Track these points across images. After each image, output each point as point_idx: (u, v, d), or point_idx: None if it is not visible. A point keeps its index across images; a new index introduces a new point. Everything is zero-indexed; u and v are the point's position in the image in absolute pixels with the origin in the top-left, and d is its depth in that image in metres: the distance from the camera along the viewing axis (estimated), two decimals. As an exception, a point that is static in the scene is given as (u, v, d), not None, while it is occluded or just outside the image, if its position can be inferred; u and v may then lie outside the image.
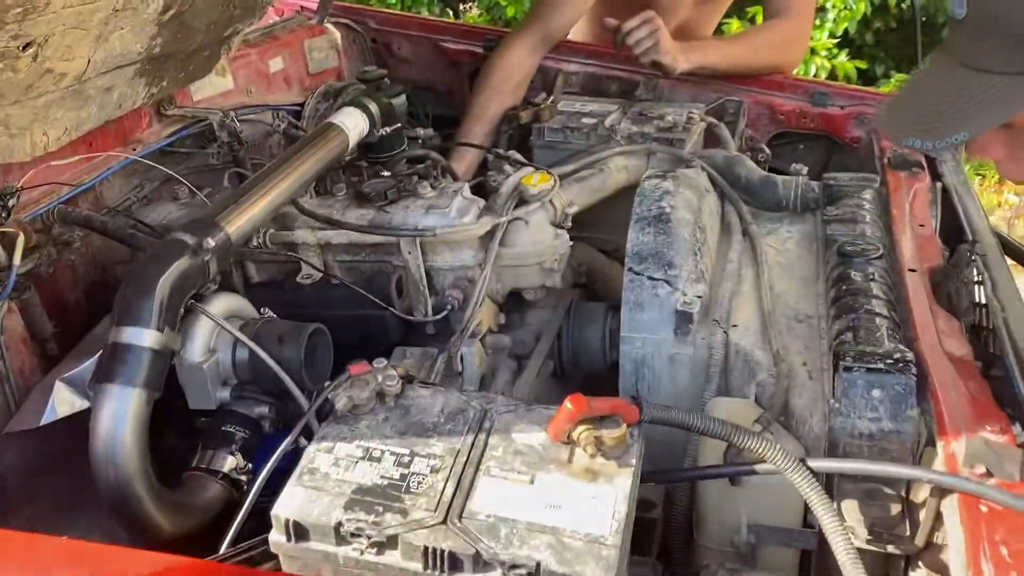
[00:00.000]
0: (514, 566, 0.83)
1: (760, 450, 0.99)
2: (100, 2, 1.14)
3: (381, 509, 0.88)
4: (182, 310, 1.21)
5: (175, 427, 1.41)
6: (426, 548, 0.84)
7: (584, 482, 0.91)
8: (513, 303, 1.61)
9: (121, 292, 1.14)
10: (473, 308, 1.44)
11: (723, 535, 1.14)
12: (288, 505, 0.88)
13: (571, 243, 1.74)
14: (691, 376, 1.35)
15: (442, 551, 0.84)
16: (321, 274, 1.52)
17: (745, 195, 1.70)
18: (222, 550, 0.94)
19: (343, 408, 1.00)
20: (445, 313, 1.48)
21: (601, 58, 2.21)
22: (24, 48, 1.08)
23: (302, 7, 2.44)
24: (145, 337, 1.11)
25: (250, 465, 1.27)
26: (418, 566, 0.85)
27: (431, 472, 0.92)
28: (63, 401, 1.27)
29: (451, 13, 5.63)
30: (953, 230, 1.67)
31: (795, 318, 1.37)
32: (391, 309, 1.46)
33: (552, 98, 2.08)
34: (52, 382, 1.30)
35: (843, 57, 4.60)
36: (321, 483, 0.91)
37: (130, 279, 1.14)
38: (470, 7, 5.76)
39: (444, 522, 0.86)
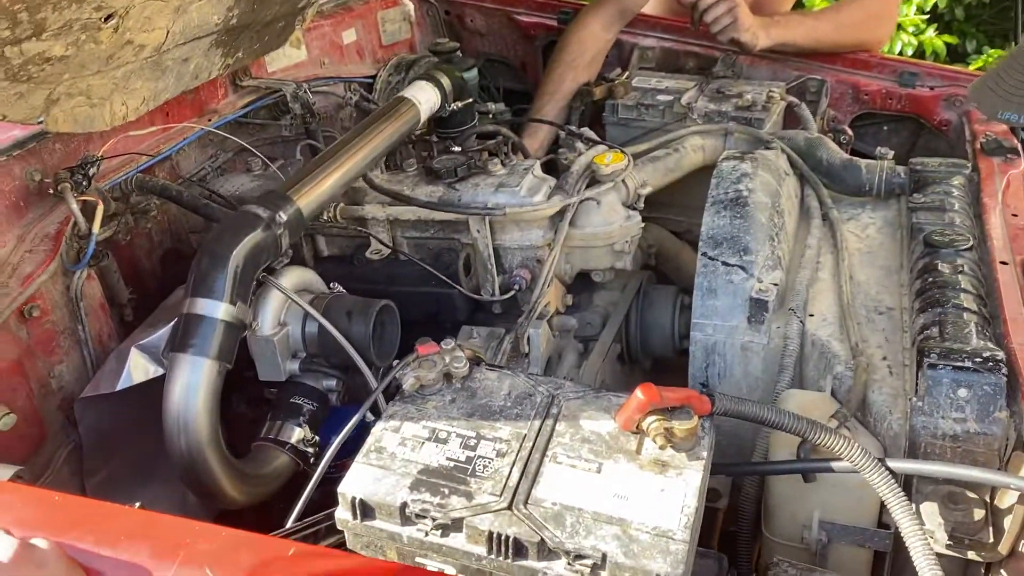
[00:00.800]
0: (579, 556, 0.83)
1: (837, 448, 0.98)
2: (181, -28, 1.16)
3: (447, 491, 0.88)
4: (255, 283, 1.23)
5: (245, 397, 1.45)
6: (491, 533, 0.85)
7: (653, 474, 0.91)
8: (581, 284, 1.60)
9: (196, 263, 1.16)
10: (541, 289, 1.43)
11: (793, 531, 1.13)
12: (355, 483, 0.90)
13: (643, 224, 1.74)
14: (764, 366, 1.33)
15: (507, 537, 0.84)
16: (389, 250, 1.53)
17: (826, 179, 1.66)
18: (289, 523, 0.96)
19: (410, 388, 1.00)
20: (513, 293, 1.48)
21: (678, 32, 2.16)
22: (106, 19, 1.10)
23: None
24: (218, 309, 1.13)
25: (317, 438, 1.30)
26: (482, 550, 0.86)
27: (497, 456, 0.92)
28: (138, 367, 1.31)
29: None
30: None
31: (876, 309, 1.34)
32: (459, 287, 1.46)
33: (627, 74, 2.05)
34: (128, 348, 1.34)
35: (931, 32, 4.42)
36: (388, 462, 0.92)
37: (204, 250, 1.17)
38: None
39: (509, 507, 0.87)
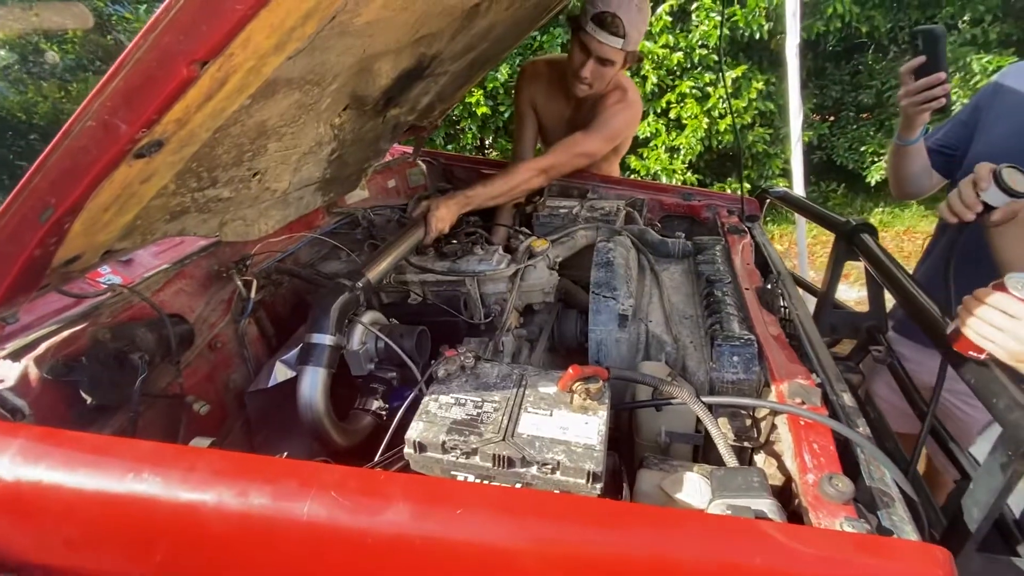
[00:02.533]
0: (544, 464, 0.79)
1: (674, 392, 0.96)
2: (296, 149, 1.11)
3: (468, 432, 0.85)
4: (346, 322, 1.18)
5: (346, 385, 1.38)
6: (494, 455, 0.81)
7: (580, 415, 0.88)
8: (528, 310, 1.58)
9: (312, 313, 1.11)
10: (506, 316, 1.40)
11: (651, 437, 1.11)
12: (414, 431, 0.85)
13: (558, 278, 1.73)
14: (627, 349, 1.31)
15: (503, 456, 0.80)
16: (421, 298, 1.48)
17: (650, 249, 1.67)
18: (377, 458, 0.91)
19: (442, 376, 0.96)
20: (491, 319, 1.44)
21: (567, 176, 2.18)
22: (254, 176, 1.05)
23: (406, 152, 2.42)
24: (325, 339, 1.08)
25: (386, 405, 1.24)
26: (489, 464, 0.82)
27: (494, 411, 0.89)
28: (280, 372, 1.24)
29: (480, 155, 5.53)
30: (762, 266, 1.64)
31: (683, 317, 1.34)
32: (461, 316, 1.42)
33: (543, 199, 2.05)
34: (274, 362, 1.26)
35: (688, 174, 4.60)
36: (432, 419, 0.87)
37: (317, 305, 1.11)
38: (490, 151, 5.74)
39: (504, 439, 0.83)
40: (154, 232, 0.96)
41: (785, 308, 1.37)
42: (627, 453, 1.16)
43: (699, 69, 4.46)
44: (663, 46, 4.42)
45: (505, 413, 0.87)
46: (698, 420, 1.01)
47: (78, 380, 0.94)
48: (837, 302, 1.80)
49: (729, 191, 4.71)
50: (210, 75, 0.55)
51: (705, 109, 4.46)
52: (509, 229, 1.92)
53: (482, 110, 4.69)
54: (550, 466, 0.79)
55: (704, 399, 0.97)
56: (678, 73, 4.54)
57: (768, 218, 5.11)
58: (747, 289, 1.33)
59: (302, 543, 0.66)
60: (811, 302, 1.92)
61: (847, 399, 1.00)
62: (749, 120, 4.48)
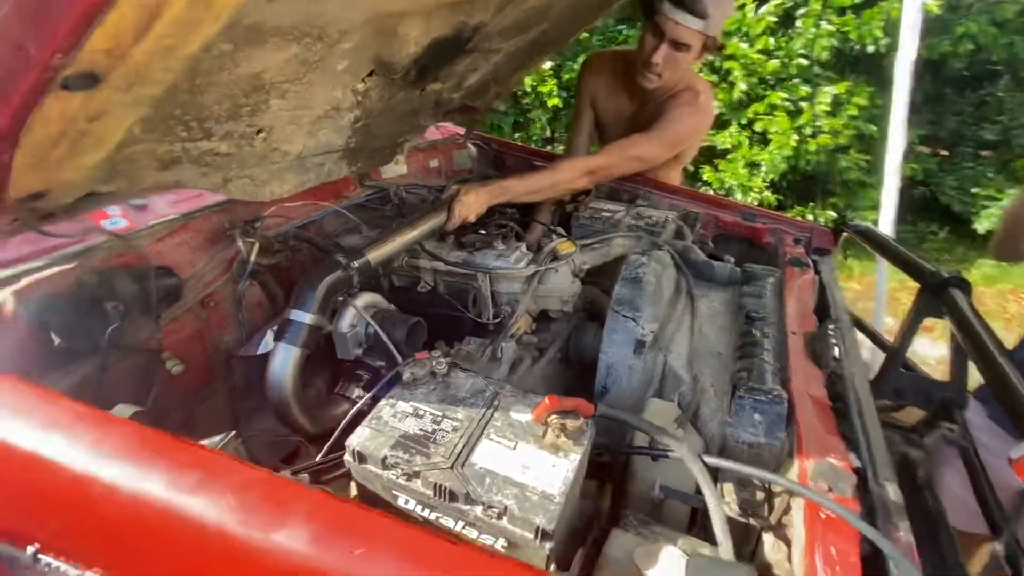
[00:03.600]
0: (490, 506, 0.67)
1: (672, 444, 0.81)
2: (307, 109, 1.04)
3: (415, 450, 0.73)
4: (338, 301, 1.10)
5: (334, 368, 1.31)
6: (435, 484, 0.69)
7: (548, 453, 0.75)
8: (543, 317, 1.45)
9: (297, 288, 1.03)
10: (514, 320, 1.28)
11: (643, 489, 0.95)
12: (357, 439, 0.75)
13: (583, 286, 1.58)
14: (640, 378, 1.16)
15: (446, 487, 0.69)
16: (431, 287, 1.39)
17: (693, 271, 1.49)
18: (318, 458, 0.82)
19: (408, 379, 0.86)
20: (499, 320, 1.33)
21: (620, 178, 2.01)
22: (258, 132, 0.98)
23: (456, 132, 2.33)
24: (305, 317, 1.00)
25: (366, 395, 1.15)
26: (430, 493, 0.70)
27: (452, 431, 0.77)
28: (267, 343, 1.18)
29: (548, 147, 5.34)
30: (821, 309, 1.41)
31: (711, 352, 1.16)
32: (467, 313, 1.31)
33: (589, 198, 1.90)
34: (266, 330, 1.22)
35: (767, 193, 4.23)
36: (381, 428, 0.77)
37: (303, 280, 1.04)
38: (557, 145, 5.51)
39: (451, 467, 0.71)
40: (143, 179, 0.91)
41: (837, 362, 1.15)
42: (618, 500, 1.02)
43: (796, 80, 4.07)
44: (759, 50, 4.06)
45: (463, 435, 0.76)
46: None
47: (49, 320, 0.91)
48: (909, 362, 1.54)
49: (811, 218, 4.30)
50: (131, 1, 0.47)
51: (796, 125, 4.07)
52: (545, 228, 1.78)
53: (553, 101, 4.53)
54: (496, 510, 0.67)
55: (708, 458, 0.81)
56: (771, 83, 4.16)
57: (849, 252, 4.63)
58: (793, 333, 1.13)
59: (186, 542, 0.58)
60: (877, 357, 1.66)
61: (892, 492, 0.80)
62: (844, 141, 4.04)
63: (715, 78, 4.18)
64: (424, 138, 2.11)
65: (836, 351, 1.15)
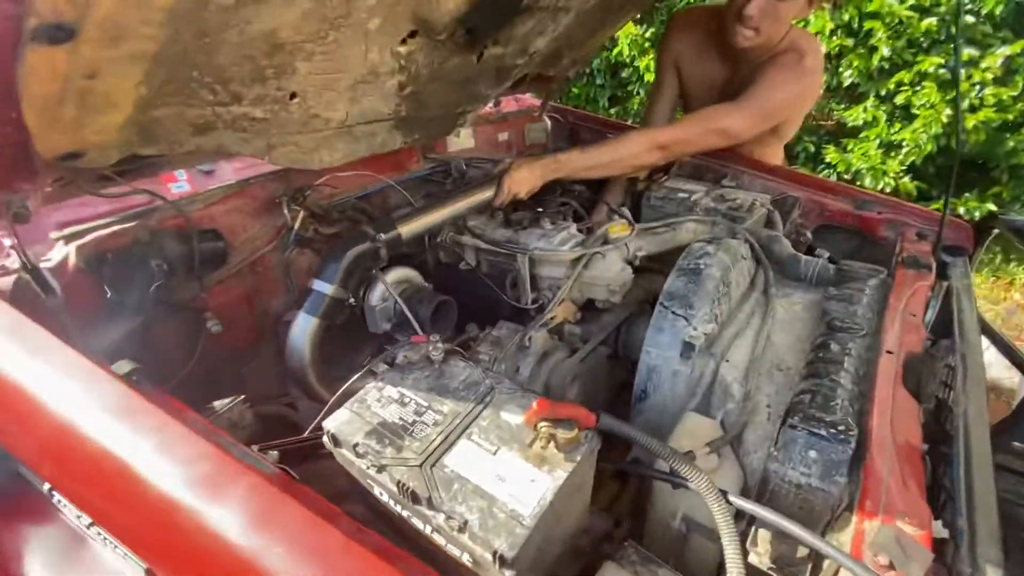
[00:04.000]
0: (450, 517, 0.59)
1: (689, 476, 0.67)
2: (342, 74, 1.00)
3: (387, 442, 0.68)
4: (368, 273, 1.08)
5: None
6: (399, 481, 0.63)
7: (531, 465, 0.65)
8: (590, 306, 1.32)
9: (322, 257, 1.02)
10: (550, 308, 1.17)
11: (663, 517, 0.82)
12: (334, 422, 0.71)
13: (645, 275, 1.42)
14: (685, 387, 1.00)
15: (409, 487, 0.62)
16: (472, 266, 1.32)
17: (776, 265, 1.27)
18: (306, 433, 0.79)
19: (400, 362, 0.80)
20: (539, 305, 1.23)
21: (706, 153, 1.78)
22: (291, 97, 0.96)
23: (530, 105, 2.22)
24: (327, 288, 0.98)
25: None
26: (395, 490, 0.64)
27: (433, 424, 0.70)
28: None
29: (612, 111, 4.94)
30: (946, 324, 1.13)
31: (778, 366, 0.97)
32: (503, 296, 1.23)
33: (666, 177, 1.70)
34: (310, 297, 1.23)
35: (906, 179, 3.56)
36: (362, 412, 0.72)
37: (329, 251, 1.02)
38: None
39: (420, 466, 0.64)
40: (182, 143, 0.93)
41: (950, 388, 0.91)
42: (640, 524, 0.89)
43: (960, 40, 3.33)
44: (910, 6, 3.37)
45: (443, 431, 0.68)
46: (739, 514, 0.70)
47: (103, 274, 0.98)
48: (1068, 402, 1.19)
49: (962, 211, 3.58)
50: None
51: (949, 97, 3.35)
52: (610, 209, 1.63)
53: (650, 77, 4.16)
54: (456, 522, 0.59)
55: (733, 498, 0.66)
56: (924, 46, 3.45)
57: (1014, 256, 3.80)
58: (889, 353, 0.90)
59: (144, 500, 0.58)
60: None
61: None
62: (1014, 117, 3.25)
63: (851, 41, 3.56)
64: (496, 110, 2.03)
65: (946, 381, 0.90)
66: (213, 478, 0.57)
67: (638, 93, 4.46)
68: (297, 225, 1.21)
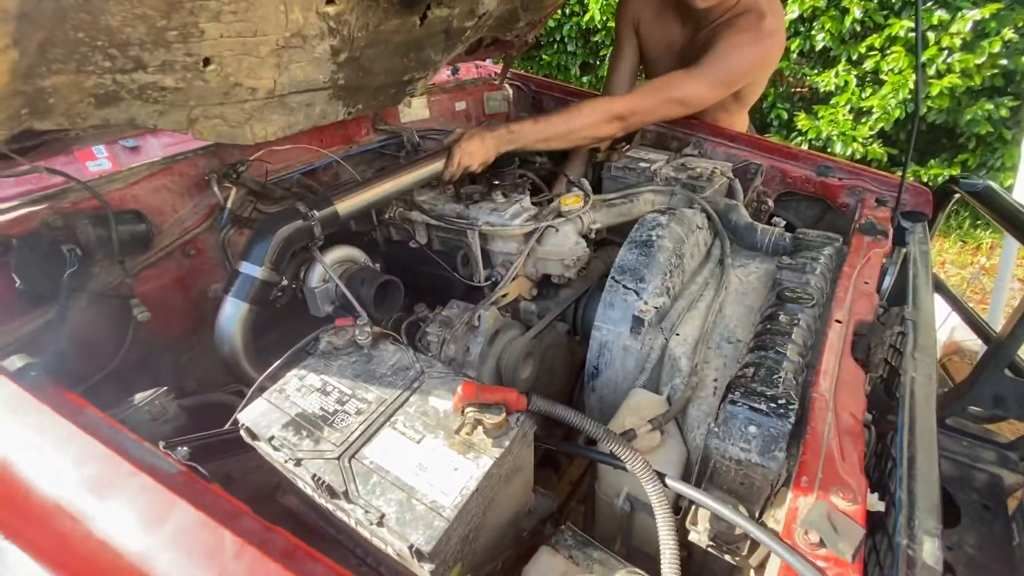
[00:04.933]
0: (367, 511, 0.56)
1: (625, 458, 0.64)
2: (260, 37, 0.92)
3: (304, 435, 0.64)
4: (302, 253, 1.02)
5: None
6: (315, 475, 0.59)
7: (456, 453, 0.62)
8: (547, 282, 1.28)
9: (250, 237, 0.95)
10: (501, 285, 1.13)
11: (609, 495, 0.80)
12: (248, 414, 0.67)
13: (605, 248, 1.39)
14: (635, 363, 0.98)
15: (324, 480, 0.58)
16: (422, 244, 1.27)
17: (733, 234, 1.24)
18: (226, 426, 0.74)
19: (324, 348, 0.75)
20: (491, 282, 1.18)
21: (667, 123, 1.73)
22: (205, 64, 0.88)
23: (492, 73, 2.13)
24: (255, 271, 0.92)
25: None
26: (313, 484, 0.61)
27: (355, 414, 0.66)
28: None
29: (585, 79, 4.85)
30: (904, 291, 1.12)
31: (727, 339, 0.95)
32: (454, 274, 1.19)
33: (627, 147, 1.65)
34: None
35: (875, 145, 3.56)
36: (281, 402, 0.68)
37: (256, 229, 0.96)
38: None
39: (338, 459, 0.60)
40: (85, 117, 0.85)
41: (891, 360, 0.90)
42: (583, 503, 0.87)
43: (930, 4, 3.30)
44: (885, -33, 3.33)
45: (366, 421, 0.65)
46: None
47: (11, 262, 0.91)
48: (1019, 363, 1.21)
49: (926, 179, 3.61)
50: None
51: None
52: (569, 181, 1.58)
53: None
54: (374, 516, 0.56)
55: (672, 483, 0.64)
56: (896, 7, 3.42)
57: (981, 221, 3.86)
58: (838, 322, 0.89)
59: (32, 502, 0.53)
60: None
61: (929, 554, 0.59)
62: (980, 82, 3.25)
63: (823, 3, 3.50)
64: (454, 78, 1.94)
65: (895, 349, 0.89)
66: (103, 479, 0.52)
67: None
68: (230, 203, 1.14)
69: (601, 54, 4.42)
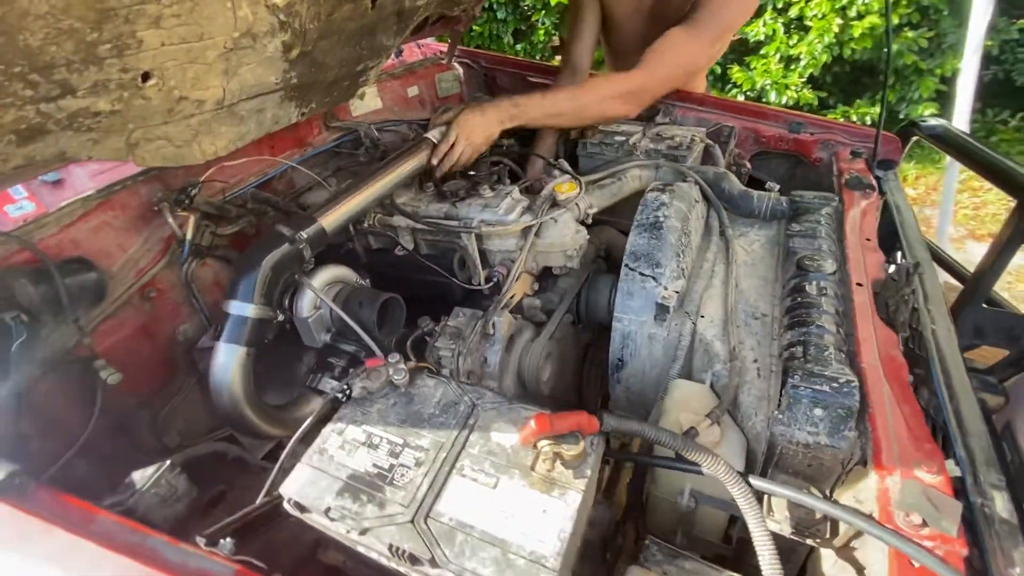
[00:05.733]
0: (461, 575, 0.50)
1: (706, 464, 0.62)
2: (207, 41, 0.79)
3: (365, 499, 0.57)
4: (292, 279, 0.92)
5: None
6: (391, 544, 0.53)
7: (539, 492, 0.57)
8: (546, 273, 1.23)
9: (233, 272, 0.84)
10: (508, 285, 1.07)
11: (670, 493, 0.78)
12: (293, 485, 0.59)
13: (594, 227, 1.35)
14: (663, 351, 0.96)
15: (404, 549, 0.52)
16: (408, 250, 1.18)
17: (727, 204, 1.23)
18: (259, 500, 0.66)
19: (359, 394, 0.68)
20: (495, 282, 1.12)
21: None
22: (144, 79, 0.75)
23: (441, 52, 2.01)
24: (247, 309, 0.82)
25: (345, 387, 0.99)
26: (389, 553, 0.54)
27: (415, 465, 0.59)
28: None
29: (556, 57, 4.77)
30: (889, 238, 1.16)
31: (752, 315, 0.94)
32: (453, 279, 1.11)
33: (596, 120, 1.60)
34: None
35: (806, 91, 3.71)
36: (325, 465, 0.60)
37: (239, 262, 0.84)
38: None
39: (412, 521, 0.54)
40: (6, 158, 0.71)
41: (912, 319, 0.93)
42: (638, 506, 0.85)
43: (845, -52, 3.42)
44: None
45: (429, 471, 0.58)
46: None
47: (-63, 342, 0.75)
48: (994, 296, 1.29)
49: (855, 119, 3.80)
50: None
51: (839, 6, 3.47)
52: (545, 162, 1.52)
53: (556, 2, 3.96)
54: (470, 583, 0.50)
55: (756, 481, 0.62)
56: (814, -46, 3.52)
57: (911, 154, 4.13)
58: (859, 285, 0.90)
59: None
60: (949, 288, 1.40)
61: (1002, 506, 0.61)
62: (897, 19, 3.43)
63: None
64: (399, 61, 1.81)
65: (914, 304, 0.92)
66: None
67: (543, 24, 4.25)
68: (189, 234, 1.01)
69: (533, 19, 4.30)
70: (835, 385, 0.69)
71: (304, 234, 0.89)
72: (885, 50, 3.40)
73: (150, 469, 0.72)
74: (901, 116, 3.79)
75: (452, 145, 1.21)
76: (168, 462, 0.73)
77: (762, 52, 3.80)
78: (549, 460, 0.57)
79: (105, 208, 0.99)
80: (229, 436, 1.06)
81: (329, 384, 1.00)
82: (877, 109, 3.81)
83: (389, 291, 1.02)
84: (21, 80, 0.62)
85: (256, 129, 1.10)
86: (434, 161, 1.21)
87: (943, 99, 3.93)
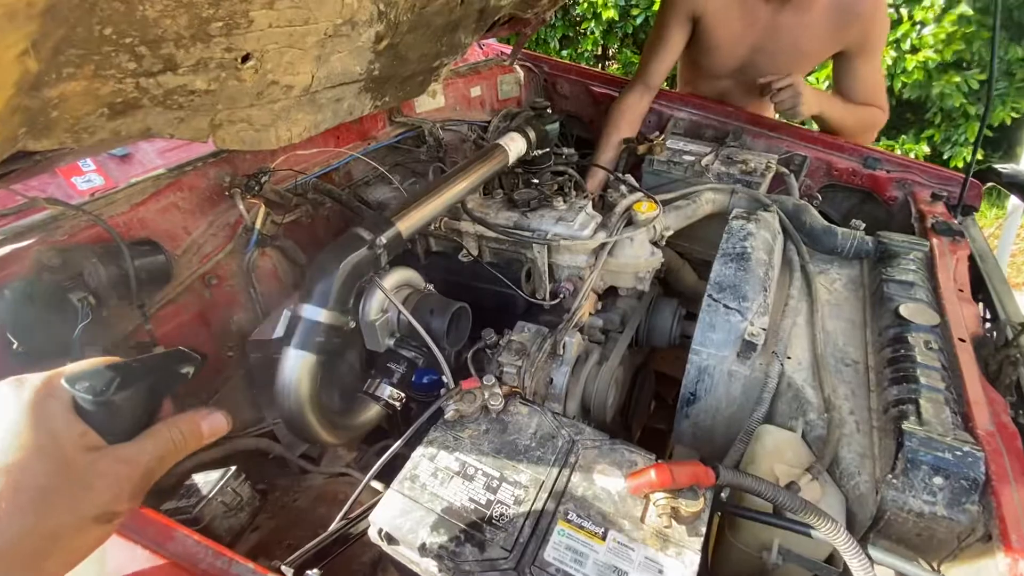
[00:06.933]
0: (574, 644, 0.45)
1: (825, 530, 0.56)
2: (311, 25, 0.75)
3: (463, 538, 0.52)
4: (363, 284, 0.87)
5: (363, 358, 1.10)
6: (496, 598, 0.47)
7: (653, 550, 0.51)
8: (609, 291, 1.18)
9: (309, 274, 0.79)
10: (579, 302, 1.02)
11: (752, 546, 0.73)
12: (384, 514, 0.54)
13: (662, 259, 1.30)
14: (743, 391, 0.90)
15: (510, 605, 0.47)
16: (472, 257, 1.13)
17: (806, 238, 1.18)
18: (333, 525, 0.61)
19: (451, 417, 0.63)
20: (559, 299, 1.07)
21: (702, 109, 1.64)
22: (243, 60, 0.71)
23: (502, 52, 1.96)
24: (320, 315, 0.77)
25: (402, 394, 0.95)
26: (489, 605, 0.49)
27: (514, 503, 0.55)
28: (283, 323, 0.98)
29: (600, 66, 4.82)
30: (975, 291, 1.09)
31: (843, 360, 0.89)
32: (519, 291, 1.06)
33: (663, 136, 1.55)
34: (282, 309, 1.01)
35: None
36: (417, 494, 0.55)
37: (316, 264, 0.80)
38: (612, 63, 4.90)
39: (515, 569, 0.49)
40: (93, 131, 0.67)
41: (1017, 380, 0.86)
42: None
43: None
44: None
45: (531, 513, 0.54)
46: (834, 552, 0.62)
47: (3, 319, 0.71)
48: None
49: (913, 156, 3.71)
50: None
51: (892, 39, 3.39)
52: (608, 174, 1.47)
53: (608, 14, 3.91)
54: (585, 650, 0.45)
55: (877, 554, 0.57)
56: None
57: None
58: (961, 341, 0.84)
59: None
60: None
61: None
62: (949, 57, 3.33)
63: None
64: (464, 60, 1.77)
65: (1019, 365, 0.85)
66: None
67: (592, 33, 4.19)
68: (260, 222, 0.96)
69: (581, 26, 4.25)
70: (958, 454, 0.63)
71: (383, 239, 0.84)
72: (987, 77, 3.28)
73: (214, 475, 0.68)
74: (945, 157, 3.70)
75: (790, 85, 1.36)
76: (233, 468, 0.68)
77: (806, 79, 3.71)
78: (666, 515, 0.52)
79: (174, 188, 0.95)
80: (269, 432, 1.02)
81: (387, 390, 0.95)
82: (923, 147, 3.72)
83: (449, 297, 0.98)
84: (129, 52, 0.58)
85: (331, 118, 1.06)
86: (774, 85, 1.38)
87: (988, 143, 3.83)
